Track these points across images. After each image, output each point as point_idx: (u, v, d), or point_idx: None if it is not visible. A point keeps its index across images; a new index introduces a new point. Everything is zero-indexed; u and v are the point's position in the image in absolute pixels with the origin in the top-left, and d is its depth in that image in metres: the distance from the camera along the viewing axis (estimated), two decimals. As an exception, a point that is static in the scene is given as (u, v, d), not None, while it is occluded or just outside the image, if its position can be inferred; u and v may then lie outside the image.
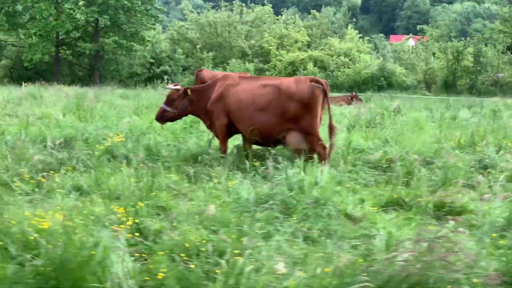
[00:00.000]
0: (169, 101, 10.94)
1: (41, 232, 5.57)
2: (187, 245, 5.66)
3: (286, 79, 10.68)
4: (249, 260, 5.23)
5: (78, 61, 53.45)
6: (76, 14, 48.90)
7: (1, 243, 5.42)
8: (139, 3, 49.77)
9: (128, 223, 6.14)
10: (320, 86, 9.94)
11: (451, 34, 53.70)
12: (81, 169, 9.26)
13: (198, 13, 61.30)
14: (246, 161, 9.73)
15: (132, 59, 51.44)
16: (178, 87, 11.08)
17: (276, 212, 7.01)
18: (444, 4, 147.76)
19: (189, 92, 10.82)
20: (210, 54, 54.00)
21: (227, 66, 51.79)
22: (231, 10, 59.64)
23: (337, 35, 60.29)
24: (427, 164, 10.14)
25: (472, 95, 45.27)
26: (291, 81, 10.25)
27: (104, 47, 49.76)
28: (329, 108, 10.22)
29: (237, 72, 25.39)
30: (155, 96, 27.25)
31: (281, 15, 63.70)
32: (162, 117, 11.13)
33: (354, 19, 63.40)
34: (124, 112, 17.07)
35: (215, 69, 51.48)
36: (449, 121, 18.16)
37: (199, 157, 10.40)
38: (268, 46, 55.48)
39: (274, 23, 59.30)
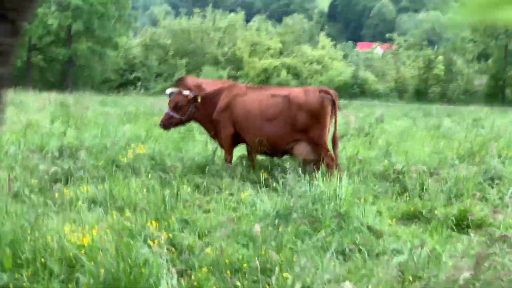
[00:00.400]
0: (176, 107, 10.77)
1: (80, 248, 5.48)
2: (226, 261, 5.59)
3: (295, 89, 10.64)
4: (298, 277, 5.17)
5: (49, 66, 52.79)
6: (48, 20, 48.32)
7: (42, 260, 5.31)
8: (113, 8, 49.40)
9: (162, 237, 6.06)
10: (329, 96, 9.95)
11: (423, 43, 54.13)
12: (89, 179, 9.14)
13: (180, 18, 61.08)
14: (260, 173, 9.69)
15: (105, 65, 50.99)
16: (187, 92, 10.96)
17: (303, 226, 6.95)
18: (410, 13, 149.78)
19: (199, 99, 10.72)
20: (183, 61, 53.78)
21: (200, 73, 51.66)
22: (204, 16, 59.48)
23: (310, 42, 60.58)
24: (431, 175, 10.18)
25: (444, 103, 45.91)
26: (300, 91, 10.24)
27: (77, 53, 49.22)
28: (335, 119, 10.22)
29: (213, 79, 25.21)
30: (135, 103, 27.07)
31: (253, 22, 63.69)
32: (169, 123, 10.95)
33: (321, 27, 63.44)
34: (113, 119, 16.83)
35: (190, 76, 51.33)
36: (435, 130, 18.34)
37: (206, 167, 10.33)
38: (241, 53, 55.50)
39: (247, 30, 59.33)
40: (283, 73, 51.44)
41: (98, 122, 16.24)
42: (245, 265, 5.52)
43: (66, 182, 9.26)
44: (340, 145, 10.81)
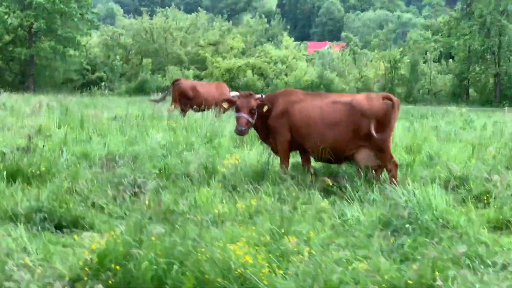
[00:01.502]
0: (251, 111, 10.47)
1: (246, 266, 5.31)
2: (386, 277, 5.46)
3: (357, 96, 10.50)
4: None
5: (7, 66, 51.41)
6: (7, 19, 47.11)
7: (219, 280, 5.12)
8: (75, 7, 48.46)
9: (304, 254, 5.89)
10: (392, 103, 9.92)
11: (389, 42, 54.89)
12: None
13: (129, 18, 60.30)
14: (323, 180, 9.59)
15: (68, 65, 49.97)
16: (259, 96, 10.75)
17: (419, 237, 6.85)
18: (358, 11, 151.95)
19: (265, 109, 10.49)
20: (148, 60, 53.17)
21: (166, 73, 51.25)
22: (166, 16, 58.89)
23: (272, 42, 60.67)
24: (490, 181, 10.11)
25: (410, 103, 46.61)
26: (363, 98, 10.13)
27: (39, 52, 48.07)
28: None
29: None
30: (118, 104, 26.61)
31: (215, 21, 63.41)
32: (248, 128, 10.65)
33: (268, 25, 63.56)
34: (127, 125, 16.39)
35: (154, 76, 50.90)
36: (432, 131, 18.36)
37: (263, 174, 10.17)
38: (204, 53, 55.17)
39: (208, 30, 59.07)
40: (249, 73, 51.32)
41: (113, 127, 15.81)
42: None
43: (134, 192, 9.00)
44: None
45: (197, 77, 51.53)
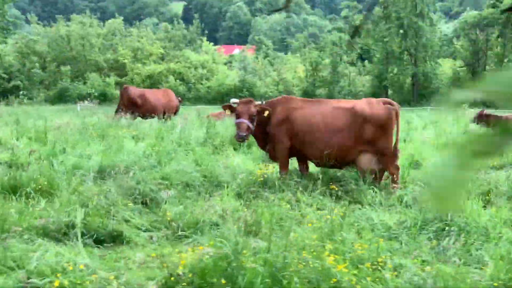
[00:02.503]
0: (252, 117, 10.49)
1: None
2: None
3: (358, 102, 10.69)
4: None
5: None
6: None
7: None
8: (-10, 14, 46.83)
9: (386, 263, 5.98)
10: (394, 108, 10.19)
11: (309, 44, 55.67)
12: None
13: (44, 25, 58.53)
14: (328, 185, 9.75)
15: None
16: (259, 102, 10.77)
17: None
18: (265, 15, 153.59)
19: (266, 114, 10.52)
20: (67, 68, 51.79)
21: (86, 81, 50.15)
22: (82, 23, 57.48)
23: (192, 47, 60.43)
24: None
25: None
26: (364, 103, 10.34)
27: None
28: (398, 130, 10.46)
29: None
30: (55, 114, 25.84)
31: (133, 27, 62.41)
32: (248, 134, 10.64)
33: (186, 31, 63.28)
34: (87, 135, 15.98)
35: (74, 84, 49.69)
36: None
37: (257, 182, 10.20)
38: (123, 59, 54.31)
39: (126, 36, 58.14)
40: (171, 79, 50.91)
41: (74, 138, 15.34)
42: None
43: (145, 203, 8.90)
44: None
45: (118, 84, 50.71)
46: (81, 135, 15.80)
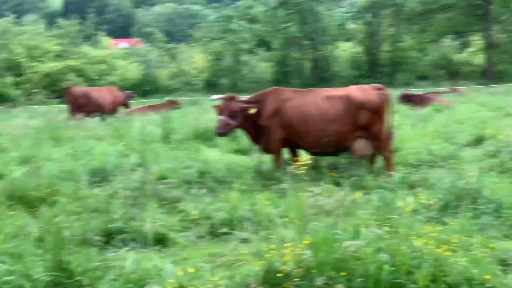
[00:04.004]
0: (232, 113, 10.59)
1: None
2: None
3: (350, 89, 10.96)
4: None
5: None
6: None
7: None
8: None
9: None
10: (385, 92, 10.64)
11: (211, 35, 55.36)
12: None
13: None
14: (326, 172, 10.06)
15: None
16: (242, 98, 10.88)
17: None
18: (147, 6, 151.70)
19: (252, 111, 10.65)
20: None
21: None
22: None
23: (90, 42, 58.84)
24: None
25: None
26: (357, 90, 10.69)
27: None
28: (390, 114, 10.91)
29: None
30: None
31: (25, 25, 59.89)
32: (228, 130, 10.75)
33: (56, 25, 61.36)
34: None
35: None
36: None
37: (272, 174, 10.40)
38: (18, 58, 52.05)
39: (20, 34, 55.67)
40: (71, 76, 49.36)
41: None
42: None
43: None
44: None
45: (18, 85, 48.75)
46: (36, 140, 15.31)
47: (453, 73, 54.81)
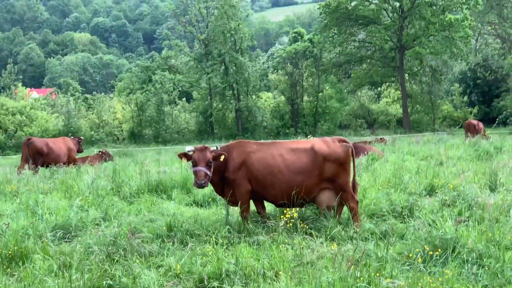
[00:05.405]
0: (208, 164, 10.50)
1: None
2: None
3: (314, 141, 11.07)
4: None
5: None
6: None
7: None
8: None
9: None
10: (349, 145, 10.86)
11: (134, 86, 55.13)
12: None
13: None
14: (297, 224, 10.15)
15: None
16: (214, 148, 10.79)
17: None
18: (59, 56, 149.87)
19: (222, 158, 10.61)
20: None
21: None
22: None
23: (5, 93, 57.27)
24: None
25: (159, 144, 47.84)
26: (321, 142, 10.83)
27: None
28: (354, 165, 11.11)
29: None
30: None
31: None
32: (207, 181, 10.61)
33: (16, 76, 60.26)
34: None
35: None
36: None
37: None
38: None
39: None
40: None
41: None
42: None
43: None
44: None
45: None
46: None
47: (371, 123, 56.71)
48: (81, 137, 26.15)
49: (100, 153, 27.32)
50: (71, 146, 22.60)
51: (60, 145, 22.04)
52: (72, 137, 25.92)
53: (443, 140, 31.73)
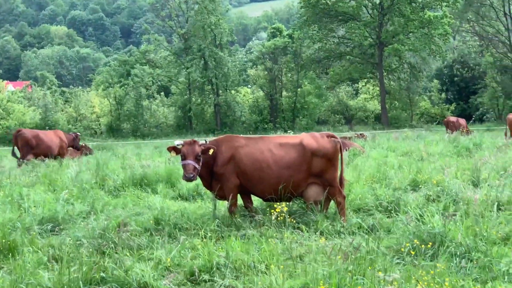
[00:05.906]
0: (197, 157, 10.51)
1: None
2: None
3: (303, 136, 11.12)
4: None
5: None
6: None
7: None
8: None
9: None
10: (337, 140, 10.93)
11: (112, 80, 54.79)
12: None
13: None
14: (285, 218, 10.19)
15: None
16: (203, 142, 10.79)
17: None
18: (35, 49, 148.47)
19: (211, 152, 10.63)
20: None
21: None
22: None
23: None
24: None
25: (138, 138, 47.60)
26: (310, 137, 10.90)
27: None
28: (342, 161, 11.19)
29: None
30: None
31: None
32: (196, 174, 10.61)
33: None
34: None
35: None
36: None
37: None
38: None
39: None
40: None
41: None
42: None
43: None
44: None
45: None
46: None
47: (349, 118, 56.97)
48: (78, 133, 25.97)
49: (83, 147, 27.21)
50: (63, 139, 22.50)
51: (52, 137, 21.95)
52: (70, 133, 26.03)
53: (422, 136, 31.94)
